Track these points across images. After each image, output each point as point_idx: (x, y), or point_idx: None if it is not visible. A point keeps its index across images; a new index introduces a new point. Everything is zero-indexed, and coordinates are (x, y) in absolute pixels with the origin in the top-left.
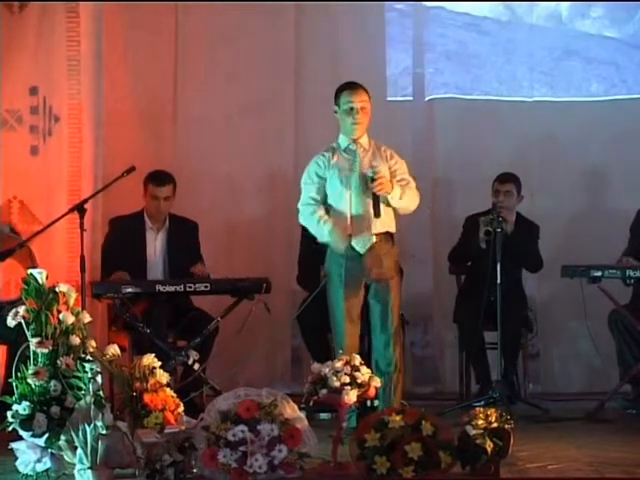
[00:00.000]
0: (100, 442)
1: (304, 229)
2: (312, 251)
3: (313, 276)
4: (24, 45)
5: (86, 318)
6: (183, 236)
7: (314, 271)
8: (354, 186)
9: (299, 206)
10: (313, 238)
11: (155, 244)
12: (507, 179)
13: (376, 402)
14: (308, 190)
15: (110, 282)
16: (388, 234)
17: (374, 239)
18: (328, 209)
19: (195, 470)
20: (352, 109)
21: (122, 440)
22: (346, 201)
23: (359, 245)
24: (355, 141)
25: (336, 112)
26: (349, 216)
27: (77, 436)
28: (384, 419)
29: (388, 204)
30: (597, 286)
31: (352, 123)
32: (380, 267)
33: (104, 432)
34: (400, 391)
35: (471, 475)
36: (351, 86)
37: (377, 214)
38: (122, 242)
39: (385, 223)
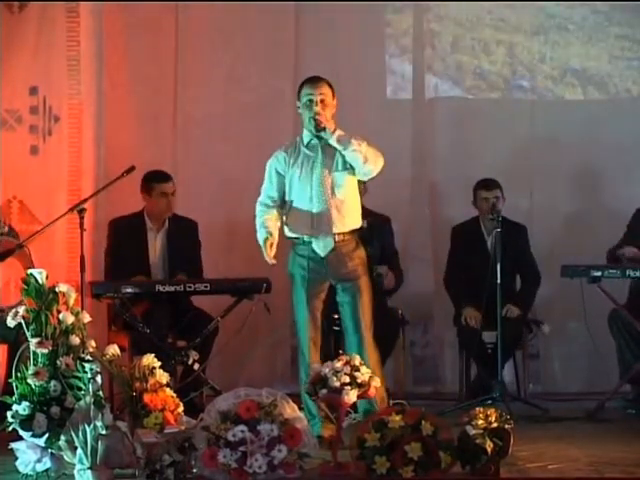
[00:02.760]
0: (100, 442)
1: None
2: None
3: None
4: (24, 45)
5: (86, 318)
6: (183, 235)
7: None
8: (315, 184)
9: (257, 200)
10: None
11: (156, 244)
12: (494, 185)
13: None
14: (267, 187)
15: (114, 281)
16: (352, 233)
17: (336, 238)
18: (287, 205)
19: (195, 470)
20: (311, 101)
21: (122, 440)
22: (307, 199)
23: (319, 247)
24: (317, 136)
25: (299, 108)
26: (310, 215)
27: (77, 436)
28: (384, 419)
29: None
30: (597, 286)
31: (311, 117)
32: (345, 268)
33: (104, 432)
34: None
35: (471, 475)
36: (311, 79)
37: (316, 131)
38: (125, 243)
39: (349, 221)
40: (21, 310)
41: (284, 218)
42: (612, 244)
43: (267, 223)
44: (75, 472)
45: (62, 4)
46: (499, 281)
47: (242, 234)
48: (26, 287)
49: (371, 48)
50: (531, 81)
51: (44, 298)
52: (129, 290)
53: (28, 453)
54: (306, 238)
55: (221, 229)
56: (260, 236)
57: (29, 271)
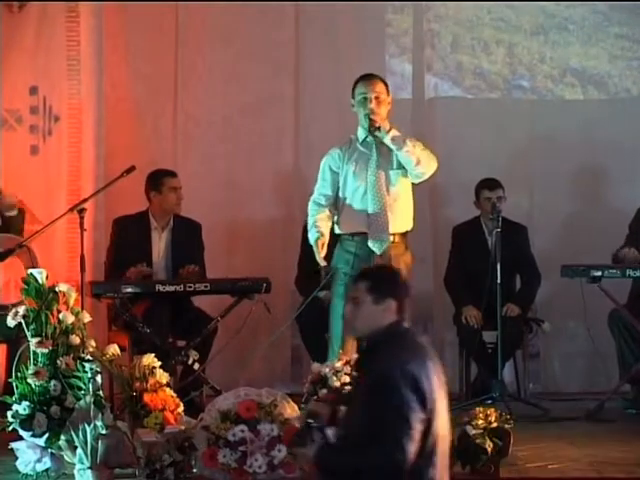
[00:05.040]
0: (100, 442)
1: (305, 230)
2: (313, 253)
3: (312, 278)
4: (24, 45)
5: (86, 318)
6: (187, 236)
7: (314, 273)
8: (370, 181)
9: (311, 198)
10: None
11: (160, 244)
12: (497, 185)
13: None
14: (320, 185)
15: (114, 281)
16: (403, 235)
17: (392, 239)
18: (340, 202)
19: (195, 470)
20: (365, 99)
21: (122, 440)
22: (361, 197)
23: (376, 246)
24: (373, 133)
25: (353, 106)
26: (365, 213)
27: (77, 436)
28: None
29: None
30: (597, 286)
31: (366, 114)
32: None
33: (104, 432)
34: None
35: (471, 475)
36: (366, 77)
37: (371, 131)
38: (128, 242)
39: (400, 223)
40: (21, 310)
41: (335, 216)
42: (612, 244)
43: (319, 223)
44: (75, 472)
45: (62, 4)
46: (499, 281)
47: (242, 234)
48: (26, 287)
49: (371, 48)
50: (531, 81)
51: (44, 298)
52: (129, 290)
53: (28, 453)
54: (357, 237)
55: (221, 229)
56: (311, 236)
57: (29, 271)
